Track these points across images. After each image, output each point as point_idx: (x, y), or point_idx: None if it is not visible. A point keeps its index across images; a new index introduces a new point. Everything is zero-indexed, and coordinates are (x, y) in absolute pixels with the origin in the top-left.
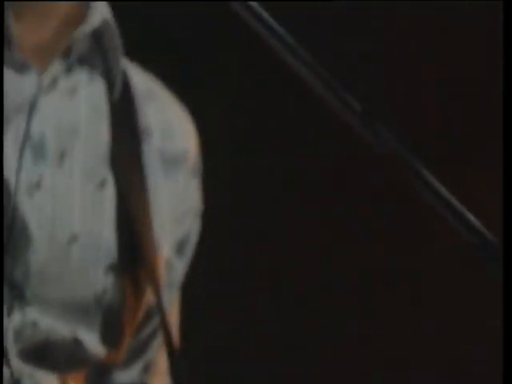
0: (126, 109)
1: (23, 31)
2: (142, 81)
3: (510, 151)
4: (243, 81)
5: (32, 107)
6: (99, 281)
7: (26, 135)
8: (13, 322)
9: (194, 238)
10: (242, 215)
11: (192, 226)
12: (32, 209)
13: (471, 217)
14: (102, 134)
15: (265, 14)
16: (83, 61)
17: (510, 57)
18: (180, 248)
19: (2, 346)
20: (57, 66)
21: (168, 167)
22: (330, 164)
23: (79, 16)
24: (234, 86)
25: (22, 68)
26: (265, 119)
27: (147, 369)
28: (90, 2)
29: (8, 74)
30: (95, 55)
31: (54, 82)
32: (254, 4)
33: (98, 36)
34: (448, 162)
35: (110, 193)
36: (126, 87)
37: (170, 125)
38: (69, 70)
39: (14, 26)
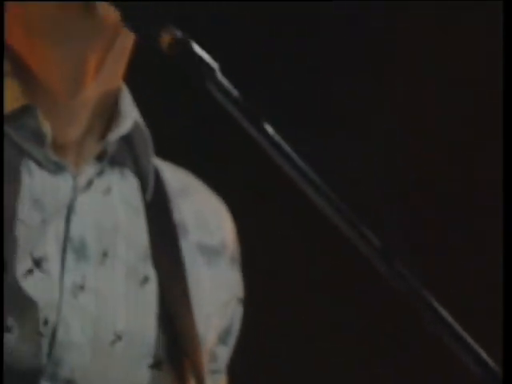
0: (160, 207)
1: (55, 130)
2: (174, 177)
3: (510, 151)
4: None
5: (70, 210)
6: (143, 377)
7: (67, 238)
8: None
9: (237, 325)
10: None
11: (235, 314)
12: (76, 310)
13: (478, 348)
14: (140, 230)
15: (277, 138)
16: (114, 161)
17: (510, 57)
18: (224, 336)
19: (2, 346)
20: (91, 168)
21: (210, 257)
22: (348, 300)
23: (110, 121)
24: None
25: (56, 169)
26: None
27: None
28: (121, 109)
29: (42, 174)
30: (126, 155)
31: (89, 184)
32: (270, 131)
33: (128, 139)
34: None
35: (152, 288)
36: (159, 185)
37: (205, 220)
38: (102, 171)
39: (45, 125)
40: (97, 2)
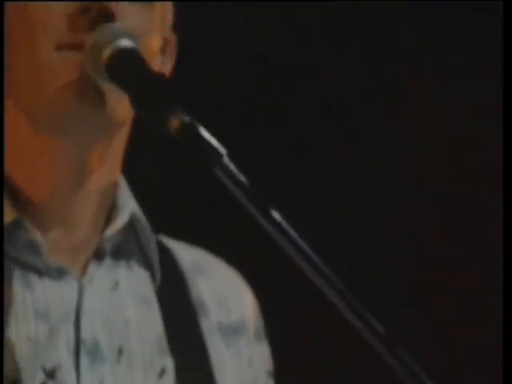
0: (176, 290)
1: (54, 238)
2: (188, 256)
3: (510, 151)
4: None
5: (78, 312)
6: None
7: (78, 342)
8: None
9: None
10: None
11: None
12: None
13: None
14: (154, 321)
15: (284, 225)
16: (118, 253)
17: (510, 57)
18: None
19: (2, 347)
20: (93, 266)
21: (228, 339)
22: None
23: (109, 215)
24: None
25: (58, 274)
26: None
27: None
28: (119, 202)
29: (43, 283)
30: (132, 246)
31: (94, 283)
32: (277, 217)
33: (128, 229)
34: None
35: (170, 379)
36: (173, 267)
37: (223, 296)
38: (105, 267)
39: (36, 235)
40: (108, 96)
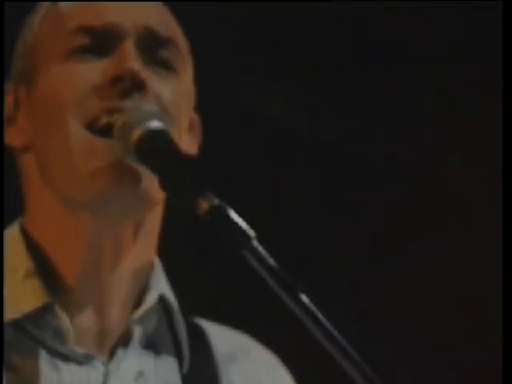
0: (204, 376)
1: (82, 323)
2: (223, 340)
3: (511, 151)
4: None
5: None
6: None
7: None
8: None
9: None
10: None
11: None
12: None
13: None
14: None
15: (312, 308)
16: (146, 338)
17: (510, 57)
18: None
19: (2, 346)
20: (121, 352)
21: None
22: None
23: (139, 298)
24: None
25: (85, 359)
26: None
27: None
28: (151, 284)
29: (70, 367)
30: (158, 328)
31: (120, 369)
32: (305, 300)
33: (157, 311)
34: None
35: None
36: (204, 350)
37: (258, 380)
38: (132, 352)
39: (64, 322)
40: (143, 175)
